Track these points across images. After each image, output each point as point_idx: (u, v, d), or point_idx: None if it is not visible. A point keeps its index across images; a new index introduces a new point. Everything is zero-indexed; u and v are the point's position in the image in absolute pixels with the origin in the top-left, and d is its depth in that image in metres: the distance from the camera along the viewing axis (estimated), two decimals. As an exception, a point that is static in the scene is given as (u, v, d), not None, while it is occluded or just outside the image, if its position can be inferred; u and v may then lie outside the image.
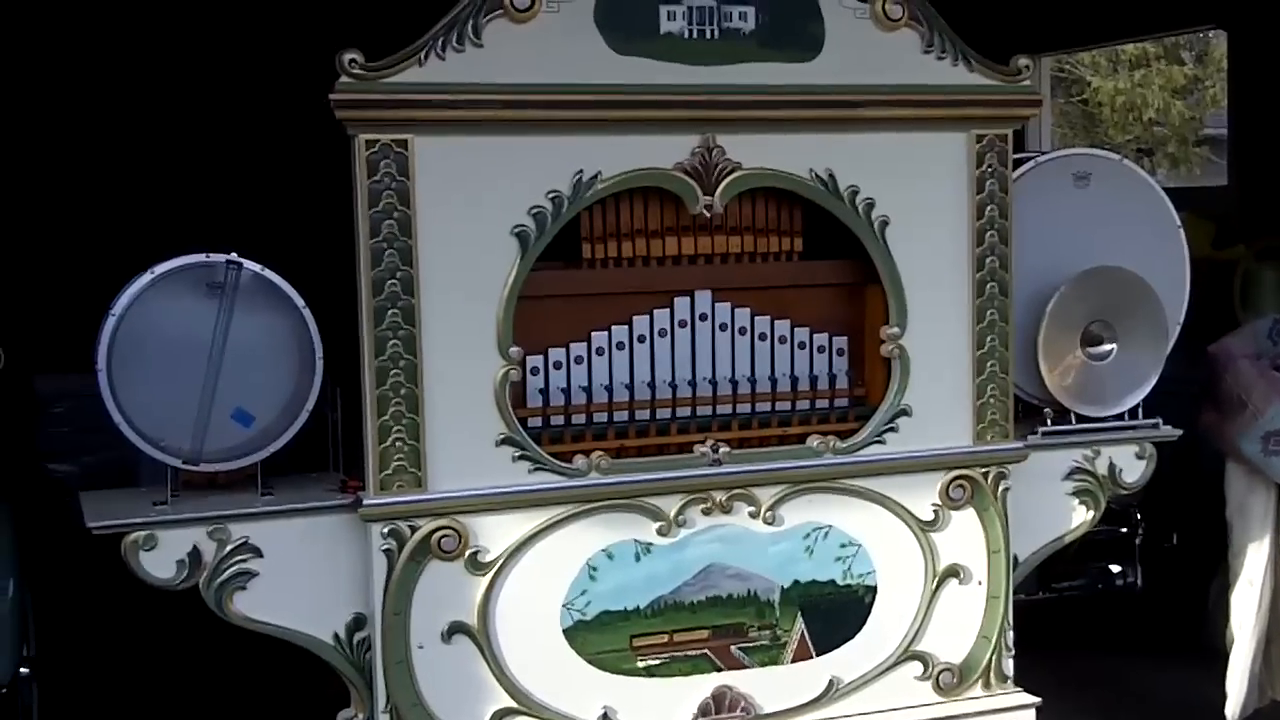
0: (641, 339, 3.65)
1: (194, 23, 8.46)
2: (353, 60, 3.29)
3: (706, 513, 3.67)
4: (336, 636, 3.48)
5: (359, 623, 3.49)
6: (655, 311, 3.66)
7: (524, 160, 3.45)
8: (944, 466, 3.84)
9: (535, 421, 3.56)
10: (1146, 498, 5.52)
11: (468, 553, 3.49)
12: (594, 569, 3.60)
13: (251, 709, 5.47)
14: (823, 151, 3.66)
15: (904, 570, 3.85)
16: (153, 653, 5.87)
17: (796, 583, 3.76)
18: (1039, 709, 3.98)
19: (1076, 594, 6.09)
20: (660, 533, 3.64)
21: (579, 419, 3.60)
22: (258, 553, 3.39)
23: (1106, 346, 4.04)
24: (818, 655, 3.80)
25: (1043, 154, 4.20)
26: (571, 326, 3.61)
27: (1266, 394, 4.62)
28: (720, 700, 3.72)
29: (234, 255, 3.38)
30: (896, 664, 3.87)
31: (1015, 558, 3.98)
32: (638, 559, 3.63)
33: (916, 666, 3.89)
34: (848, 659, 3.83)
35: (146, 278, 3.35)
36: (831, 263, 3.81)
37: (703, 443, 3.66)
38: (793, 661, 3.79)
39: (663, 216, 3.63)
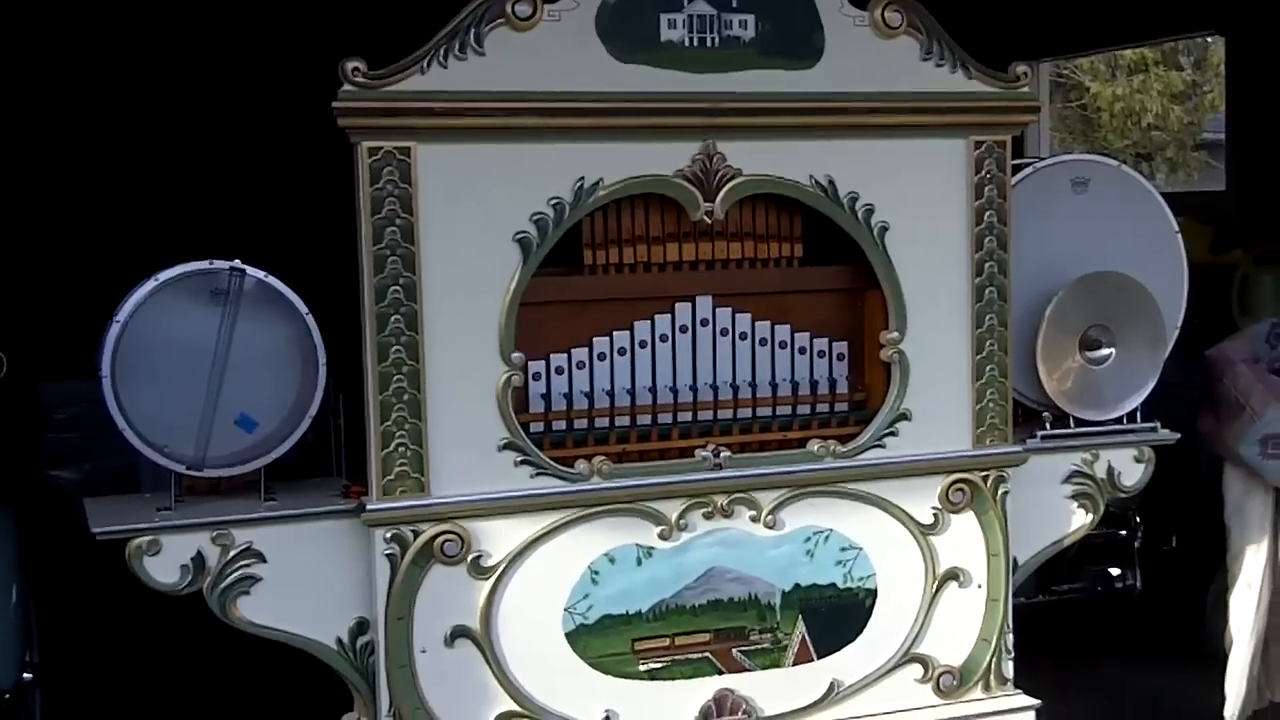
0: (643, 344, 3.66)
1: (197, 30, 8.48)
2: (355, 68, 3.30)
3: (708, 517, 3.68)
4: (340, 641, 3.49)
5: (362, 627, 3.49)
6: (656, 317, 3.67)
7: (526, 167, 3.46)
8: (944, 470, 3.86)
9: (537, 426, 3.58)
10: (1145, 501, 5.55)
11: (470, 557, 3.50)
12: (596, 573, 3.61)
13: (255, 714, 5.48)
14: (822, 158, 3.68)
15: (904, 573, 3.86)
16: (156, 657, 5.88)
17: (797, 586, 3.78)
18: (1039, 711, 3.99)
19: (1076, 597, 6.10)
20: (662, 537, 3.65)
21: (581, 424, 3.61)
22: (261, 558, 3.40)
23: (1105, 351, 4.05)
24: (819, 658, 3.82)
25: (1041, 159, 4.20)
26: (573, 332, 3.62)
27: (1264, 397, 4.64)
28: (722, 703, 3.73)
29: (237, 262, 3.39)
30: (897, 667, 3.88)
31: (1015, 561, 3.98)
32: (639, 563, 3.65)
33: (917, 669, 3.90)
34: (848, 662, 3.84)
35: (150, 284, 3.36)
36: (831, 268, 3.82)
37: (704, 447, 3.67)
38: (794, 664, 3.80)
39: (664, 222, 3.64)
